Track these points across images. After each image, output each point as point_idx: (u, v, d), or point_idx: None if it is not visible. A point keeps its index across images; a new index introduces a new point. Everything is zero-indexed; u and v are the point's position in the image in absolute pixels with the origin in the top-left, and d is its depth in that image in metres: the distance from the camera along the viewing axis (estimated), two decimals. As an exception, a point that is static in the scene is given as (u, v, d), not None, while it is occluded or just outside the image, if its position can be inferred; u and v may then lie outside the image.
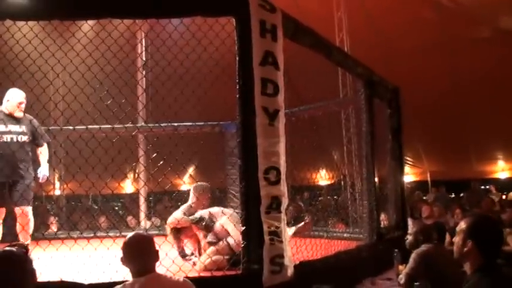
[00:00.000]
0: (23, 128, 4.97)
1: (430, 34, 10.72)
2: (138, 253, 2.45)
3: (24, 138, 4.97)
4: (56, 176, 8.35)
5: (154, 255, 2.51)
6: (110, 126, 5.20)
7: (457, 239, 2.28)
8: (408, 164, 13.65)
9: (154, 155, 5.59)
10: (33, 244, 4.22)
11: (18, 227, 4.89)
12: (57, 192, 9.22)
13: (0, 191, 4.80)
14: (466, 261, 2.24)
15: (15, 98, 4.93)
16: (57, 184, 8.84)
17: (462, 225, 2.28)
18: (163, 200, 9.42)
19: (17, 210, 4.88)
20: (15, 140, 4.88)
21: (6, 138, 4.83)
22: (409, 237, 4.63)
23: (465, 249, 2.21)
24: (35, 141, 5.12)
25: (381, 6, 10.54)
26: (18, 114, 4.96)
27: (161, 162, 5.21)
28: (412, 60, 10.88)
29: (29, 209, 4.92)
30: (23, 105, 4.97)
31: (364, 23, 10.93)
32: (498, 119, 11.36)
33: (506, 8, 10.19)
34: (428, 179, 14.34)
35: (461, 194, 13.65)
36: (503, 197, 12.78)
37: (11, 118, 4.93)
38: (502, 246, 2.43)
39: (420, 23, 10.66)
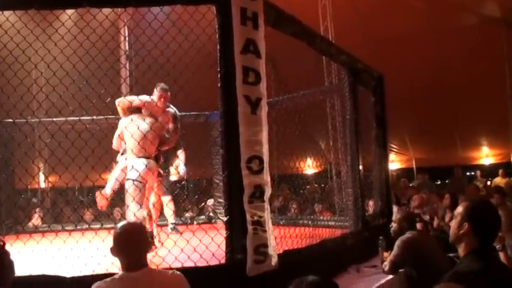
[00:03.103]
0: None
1: (415, 22, 10.74)
2: (130, 245, 2.36)
3: None
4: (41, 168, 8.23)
5: (147, 246, 2.47)
6: (90, 118, 5.24)
7: (453, 222, 2.27)
8: (393, 151, 13.74)
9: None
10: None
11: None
12: (42, 185, 9.10)
13: None
14: (460, 243, 2.21)
15: None
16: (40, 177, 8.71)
17: (459, 208, 2.26)
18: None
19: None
20: None
21: None
22: (394, 225, 4.64)
23: (461, 231, 2.19)
24: None
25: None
26: None
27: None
28: (397, 48, 10.90)
29: None
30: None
31: (349, 11, 10.90)
32: (482, 106, 11.44)
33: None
34: (414, 166, 14.44)
35: (447, 181, 13.78)
36: (488, 183, 12.92)
37: None
38: (498, 232, 2.41)
39: (406, 11, 10.67)
